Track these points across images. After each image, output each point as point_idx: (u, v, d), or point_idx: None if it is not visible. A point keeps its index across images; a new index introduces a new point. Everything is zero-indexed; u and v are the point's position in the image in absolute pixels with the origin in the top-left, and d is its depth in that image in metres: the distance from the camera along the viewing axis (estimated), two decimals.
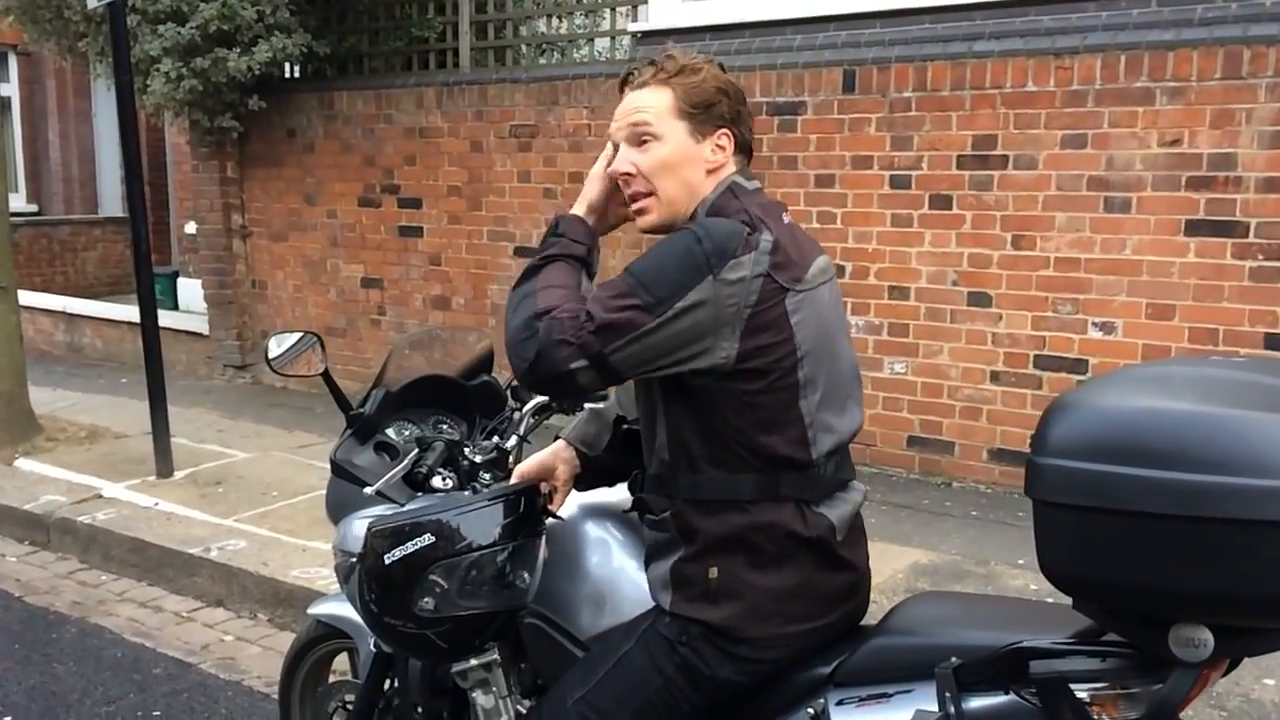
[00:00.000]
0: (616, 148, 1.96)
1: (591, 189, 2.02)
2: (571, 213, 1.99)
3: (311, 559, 4.67)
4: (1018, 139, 5.15)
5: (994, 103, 5.19)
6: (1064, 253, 5.09)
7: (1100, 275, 5.03)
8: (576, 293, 1.86)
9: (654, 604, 2.02)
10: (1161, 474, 1.44)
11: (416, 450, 2.36)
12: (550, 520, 2.21)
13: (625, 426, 2.17)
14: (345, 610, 2.70)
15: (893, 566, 4.34)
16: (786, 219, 1.93)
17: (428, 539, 2.03)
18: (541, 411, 2.54)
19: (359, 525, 2.48)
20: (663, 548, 1.97)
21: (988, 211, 5.26)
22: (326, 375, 2.46)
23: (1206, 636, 1.53)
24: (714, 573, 1.89)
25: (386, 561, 2.05)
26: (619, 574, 2.17)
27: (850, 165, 5.61)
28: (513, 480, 2.24)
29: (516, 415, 2.53)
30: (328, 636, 2.87)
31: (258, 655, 4.22)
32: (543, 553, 2.10)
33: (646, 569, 2.04)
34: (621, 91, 1.98)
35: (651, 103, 1.91)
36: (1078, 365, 5.13)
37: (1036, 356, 5.22)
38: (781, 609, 1.88)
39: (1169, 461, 1.44)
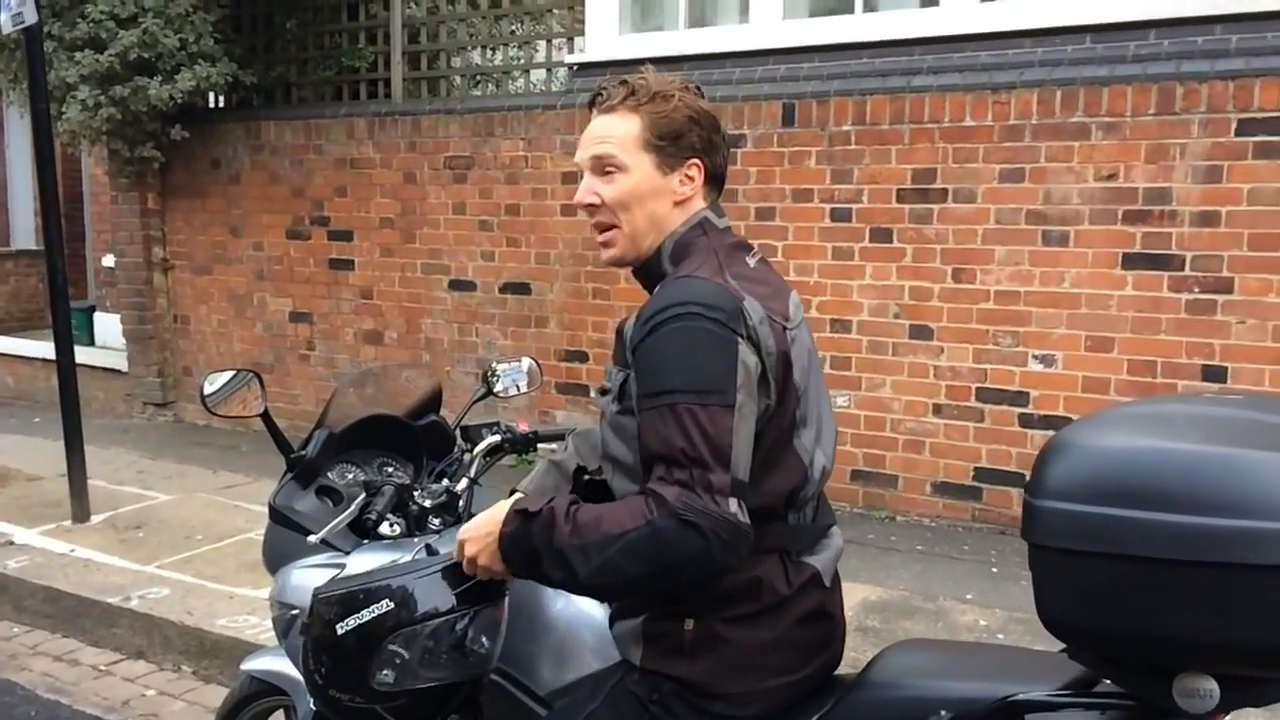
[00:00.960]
0: (582, 174, 1.87)
1: (487, 514, 1.88)
2: (507, 512, 1.82)
3: (239, 607, 4.47)
4: (956, 172, 5.17)
5: (933, 137, 5.21)
6: (1004, 285, 5.11)
7: (1040, 308, 5.06)
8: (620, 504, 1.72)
9: (617, 660, 1.93)
10: (1169, 517, 1.37)
11: (363, 495, 2.23)
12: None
13: (587, 477, 2.06)
14: (282, 665, 2.55)
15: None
16: (755, 260, 1.86)
17: (386, 605, 1.87)
18: (493, 453, 2.44)
19: (299, 576, 2.35)
20: (632, 604, 1.87)
21: (928, 244, 5.26)
22: (266, 415, 2.32)
23: (1212, 687, 1.47)
24: (689, 624, 1.79)
25: (339, 631, 1.88)
26: (580, 623, 2.06)
27: (790, 198, 5.59)
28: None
29: (467, 457, 2.42)
30: (263, 694, 2.71)
31: (182, 711, 4.01)
32: (505, 615, 1.97)
33: (613, 624, 1.93)
34: (590, 109, 1.89)
35: (617, 131, 1.82)
36: (1019, 398, 5.14)
37: (978, 389, 5.22)
38: (760, 663, 1.79)
39: (1177, 504, 1.37)
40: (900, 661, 1.85)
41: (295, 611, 2.30)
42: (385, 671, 1.86)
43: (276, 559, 2.44)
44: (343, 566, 2.24)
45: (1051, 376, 5.06)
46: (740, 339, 1.67)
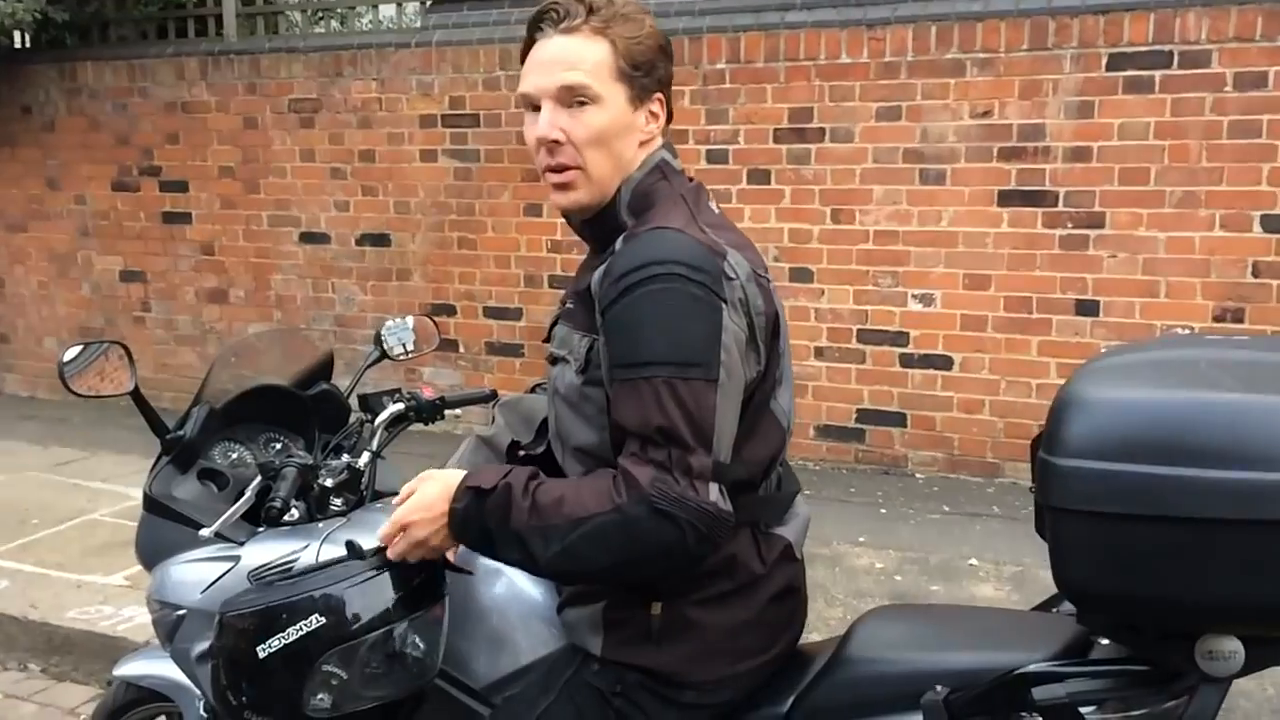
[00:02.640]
0: (535, 107, 1.62)
1: (434, 484, 1.66)
2: (459, 487, 1.60)
3: (89, 596, 4.07)
4: (834, 111, 5.08)
5: (809, 74, 5.10)
6: (883, 225, 5.07)
7: (918, 247, 5.04)
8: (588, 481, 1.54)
9: (568, 644, 1.75)
10: (1215, 474, 1.27)
11: (259, 479, 1.96)
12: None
13: (522, 453, 1.84)
14: (163, 669, 2.28)
15: None
16: (713, 206, 1.67)
17: (315, 621, 1.63)
18: (396, 423, 2.20)
19: (183, 571, 2.07)
20: (586, 591, 1.68)
21: (806, 185, 5.17)
22: (137, 393, 2.02)
23: (1237, 648, 1.39)
24: (657, 609, 1.61)
25: (261, 655, 1.63)
26: (515, 606, 1.87)
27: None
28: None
29: (367, 428, 2.17)
30: (141, 700, 2.42)
31: (33, 714, 3.63)
32: (446, 612, 1.75)
33: (562, 610, 1.75)
34: (533, 36, 1.63)
35: (588, 56, 1.56)
36: (900, 338, 5.13)
37: (859, 330, 5.18)
38: (731, 645, 1.64)
39: (1224, 459, 1.26)
40: (880, 633, 1.72)
41: (181, 611, 2.03)
42: (320, 695, 1.62)
43: (153, 553, 2.14)
44: (236, 560, 1.98)
45: (930, 315, 5.06)
46: (724, 304, 1.49)
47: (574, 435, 1.62)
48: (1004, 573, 4.12)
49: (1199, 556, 1.30)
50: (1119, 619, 1.45)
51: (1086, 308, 4.81)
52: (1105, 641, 1.56)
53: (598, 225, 1.65)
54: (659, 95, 1.62)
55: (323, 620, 1.63)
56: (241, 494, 2.00)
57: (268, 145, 6.34)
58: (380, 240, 6.14)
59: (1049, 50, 4.72)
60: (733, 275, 1.51)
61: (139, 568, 4.22)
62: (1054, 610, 1.82)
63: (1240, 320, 4.57)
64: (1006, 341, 4.95)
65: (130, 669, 2.37)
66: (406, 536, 1.63)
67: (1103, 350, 1.69)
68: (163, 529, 2.07)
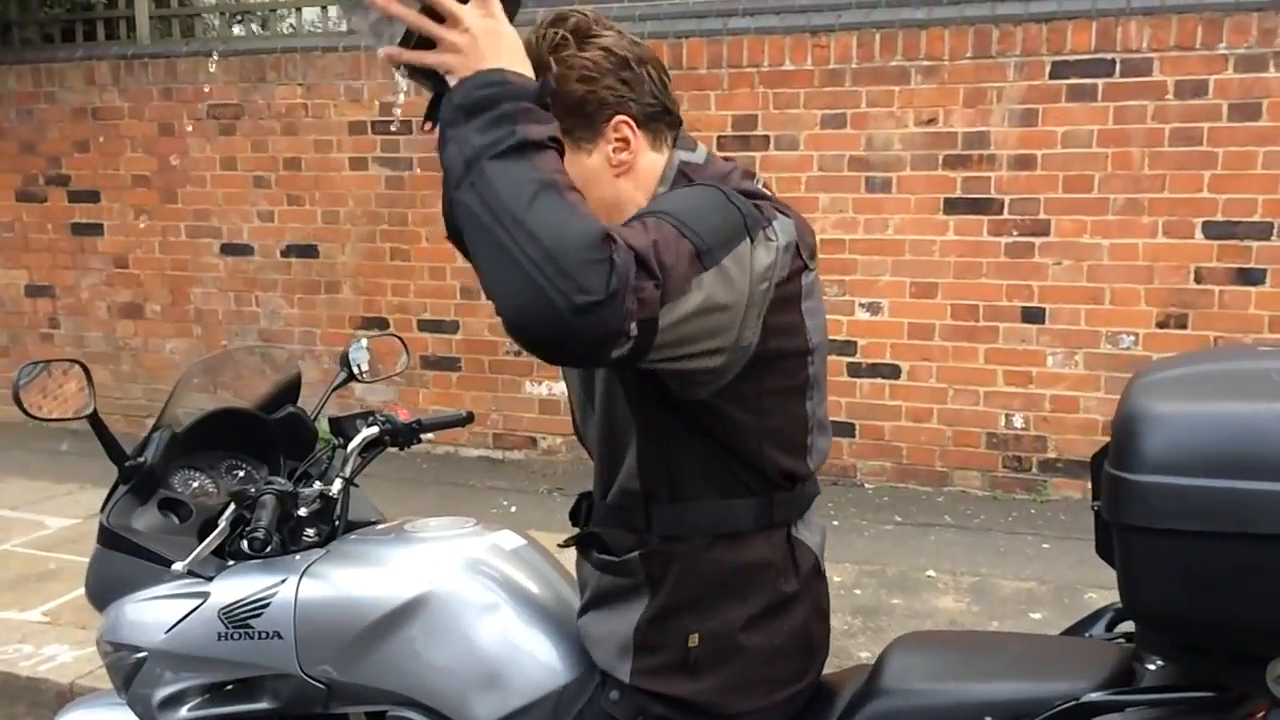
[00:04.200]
0: None
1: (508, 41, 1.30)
2: (542, 84, 1.29)
3: (5, 634, 3.79)
4: (778, 119, 5.02)
5: (752, 81, 5.03)
6: (829, 234, 5.01)
7: (865, 255, 5.00)
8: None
9: (577, 675, 1.65)
10: None
11: (233, 507, 1.80)
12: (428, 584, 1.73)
13: None
14: (112, 716, 2.08)
15: None
16: (762, 187, 1.54)
17: None
18: (370, 447, 2.04)
19: (140, 611, 1.90)
20: (616, 598, 1.56)
21: None
22: (94, 417, 1.84)
23: None
24: (695, 640, 1.50)
25: None
26: (518, 641, 1.73)
27: None
28: None
29: (339, 454, 2.01)
30: None
31: None
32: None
33: (583, 617, 1.63)
34: None
35: None
36: (847, 347, 5.08)
37: None
38: (769, 673, 1.53)
39: None
40: (914, 662, 1.62)
41: (141, 654, 1.85)
42: None
43: (106, 591, 1.96)
44: (204, 596, 1.81)
45: (878, 324, 5.03)
46: (749, 241, 1.35)
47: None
48: (962, 584, 4.08)
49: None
50: (1189, 641, 1.37)
51: (1033, 315, 4.81)
52: (1153, 666, 1.49)
53: None
54: (618, 117, 1.45)
55: None
56: (206, 525, 1.83)
57: (185, 153, 6.07)
58: (307, 251, 5.90)
59: (993, 58, 4.73)
60: (774, 237, 1.39)
61: (58, 601, 4.04)
62: (1085, 634, 1.75)
63: (1184, 326, 4.61)
64: (954, 350, 4.94)
65: (75, 717, 2.16)
66: (447, 49, 1.27)
67: (1154, 361, 1.61)
68: (117, 564, 1.90)
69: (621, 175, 1.48)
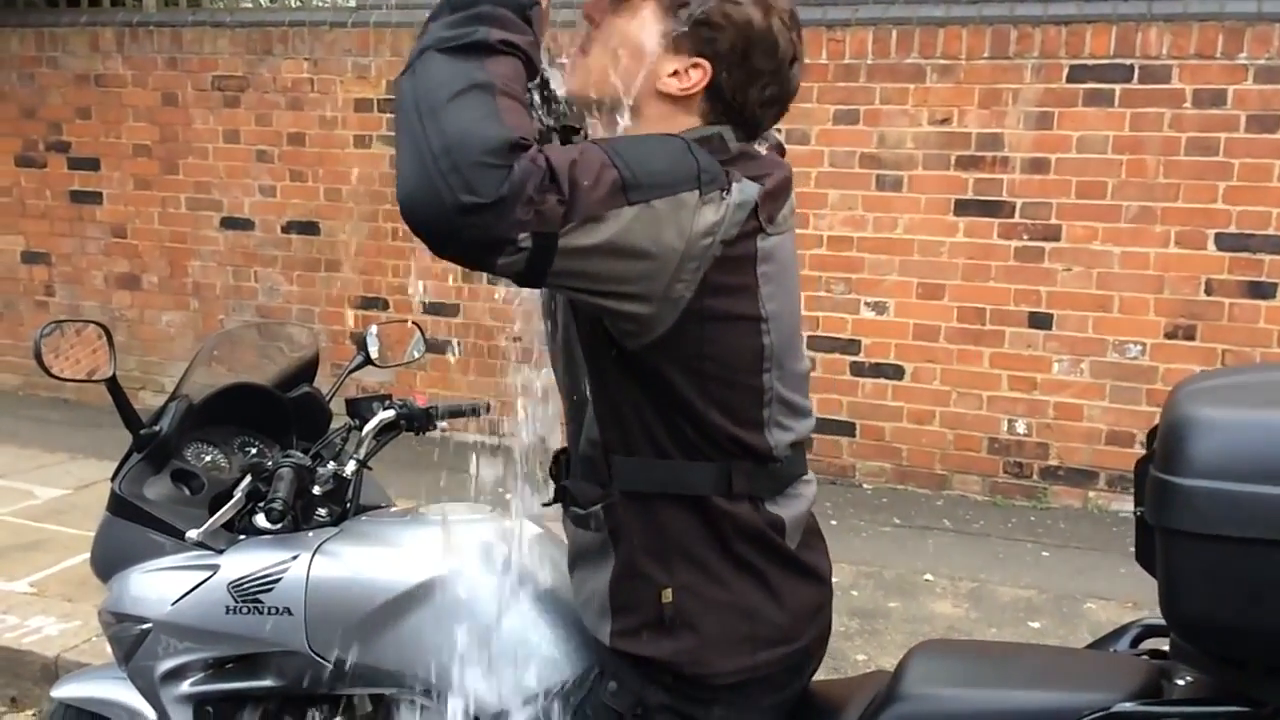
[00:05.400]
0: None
1: None
2: None
3: None
4: (790, 113, 4.94)
5: None
6: (837, 231, 4.98)
7: (872, 254, 4.96)
8: (531, 123, 1.32)
9: (583, 669, 1.63)
10: None
11: (249, 479, 1.76)
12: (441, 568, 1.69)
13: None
14: (112, 691, 2.06)
15: None
16: (765, 147, 1.51)
17: None
18: (384, 431, 2.01)
19: (145, 583, 1.86)
20: (589, 555, 1.54)
21: None
22: (114, 381, 1.80)
23: None
24: (668, 595, 1.48)
25: None
26: (526, 631, 1.71)
27: None
28: None
29: (353, 436, 1.98)
30: None
31: None
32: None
33: (573, 575, 1.61)
34: None
35: None
36: (851, 346, 5.05)
37: (810, 338, 5.06)
38: (751, 630, 1.50)
39: None
40: (936, 668, 1.58)
41: (145, 626, 1.81)
42: None
43: (112, 561, 1.92)
44: (213, 569, 1.77)
45: (883, 324, 4.99)
46: (697, 194, 1.32)
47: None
48: (961, 589, 4.05)
49: None
50: (1228, 652, 1.33)
51: (1040, 320, 4.78)
52: (1181, 682, 1.46)
53: None
54: (701, 61, 1.43)
55: None
56: (217, 499, 1.79)
57: (188, 124, 6.00)
58: (308, 228, 5.84)
59: (1010, 59, 4.69)
60: (726, 196, 1.35)
61: (45, 573, 3.98)
62: (1110, 649, 1.72)
63: (1192, 338, 4.59)
64: (959, 352, 4.91)
65: (72, 690, 2.12)
66: None
67: (1199, 372, 1.57)
68: (125, 533, 1.87)
69: (659, 94, 1.45)
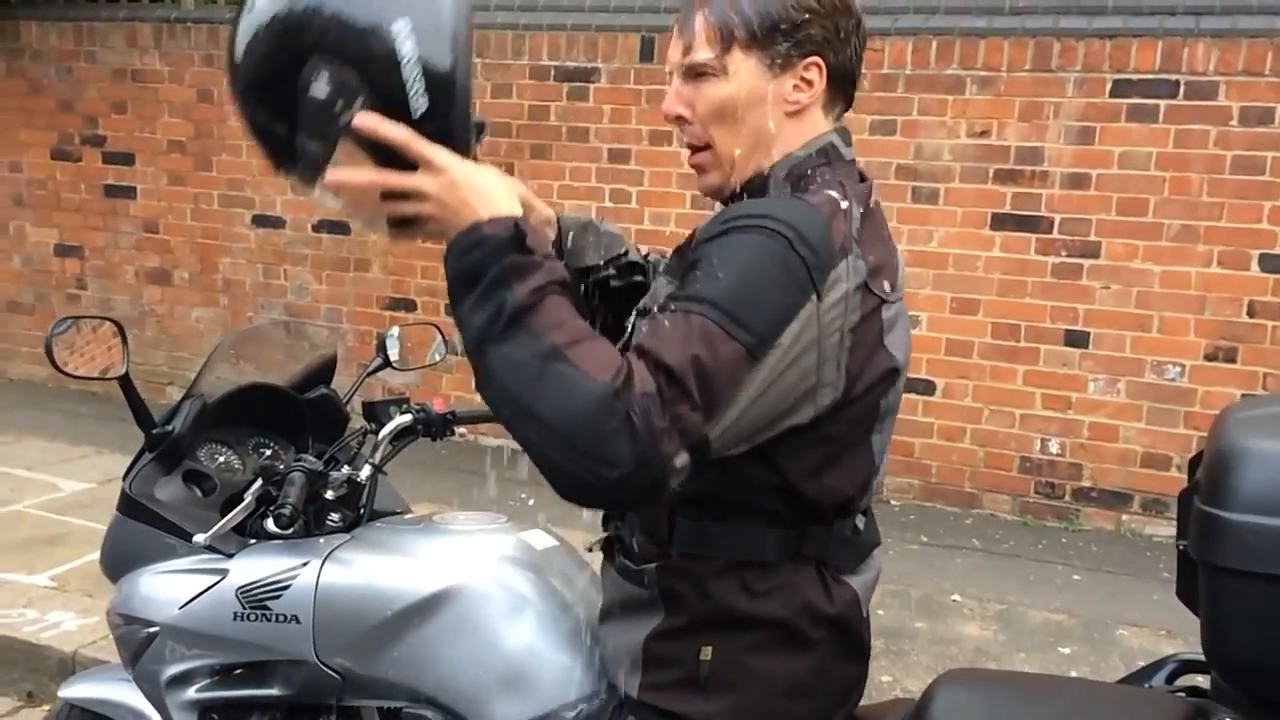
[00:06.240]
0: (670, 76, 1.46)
1: (499, 183, 1.31)
2: (511, 214, 1.27)
3: (10, 598, 3.73)
4: None
5: None
6: None
7: (907, 267, 4.84)
8: (608, 344, 1.25)
9: (597, 690, 1.59)
10: None
11: (259, 483, 1.72)
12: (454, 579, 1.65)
13: (611, 274, 1.64)
14: (119, 693, 2.02)
15: None
16: (874, 202, 1.45)
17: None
18: (402, 436, 1.96)
19: (154, 585, 1.83)
20: (631, 609, 1.48)
21: None
22: (126, 379, 1.77)
23: None
24: (707, 653, 1.41)
25: None
26: (544, 648, 1.66)
27: (648, 140, 5.19)
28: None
29: (370, 439, 1.94)
30: None
31: None
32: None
33: (603, 625, 1.55)
34: None
35: (708, 23, 1.39)
36: None
37: None
38: (788, 707, 1.43)
39: None
40: (965, 700, 1.51)
41: (153, 629, 1.78)
42: None
43: (122, 561, 1.89)
44: (223, 574, 1.74)
45: (916, 338, 4.82)
46: (815, 296, 1.26)
47: None
48: (989, 611, 3.97)
49: None
50: (1275, 696, 1.26)
51: (1076, 339, 4.69)
52: None
53: None
54: (813, 59, 1.40)
55: None
56: (230, 501, 1.76)
57: (223, 121, 6.00)
58: (338, 228, 5.83)
59: (1052, 72, 4.60)
60: (843, 278, 1.30)
61: (67, 566, 3.97)
62: (1145, 684, 1.64)
63: (1232, 360, 4.48)
64: (992, 369, 4.82)
65: (79, 691, 2.09)
66: (417, 197, 1.26)
67: (1240, 398, 1.50)
68: (135, 534, 1.83)
69: (790, 115, 1.41)
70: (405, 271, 5.74)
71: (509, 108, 5.40)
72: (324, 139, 1.23)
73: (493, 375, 1.22)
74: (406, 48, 1.21)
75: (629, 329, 1.46)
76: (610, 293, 1.64)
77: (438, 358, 2.22)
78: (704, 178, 1.46)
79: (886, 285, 1.37)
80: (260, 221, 6.00)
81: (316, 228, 5.87)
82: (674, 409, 1.17)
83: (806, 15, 1.38)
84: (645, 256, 1.70)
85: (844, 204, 1.34)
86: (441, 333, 2.26)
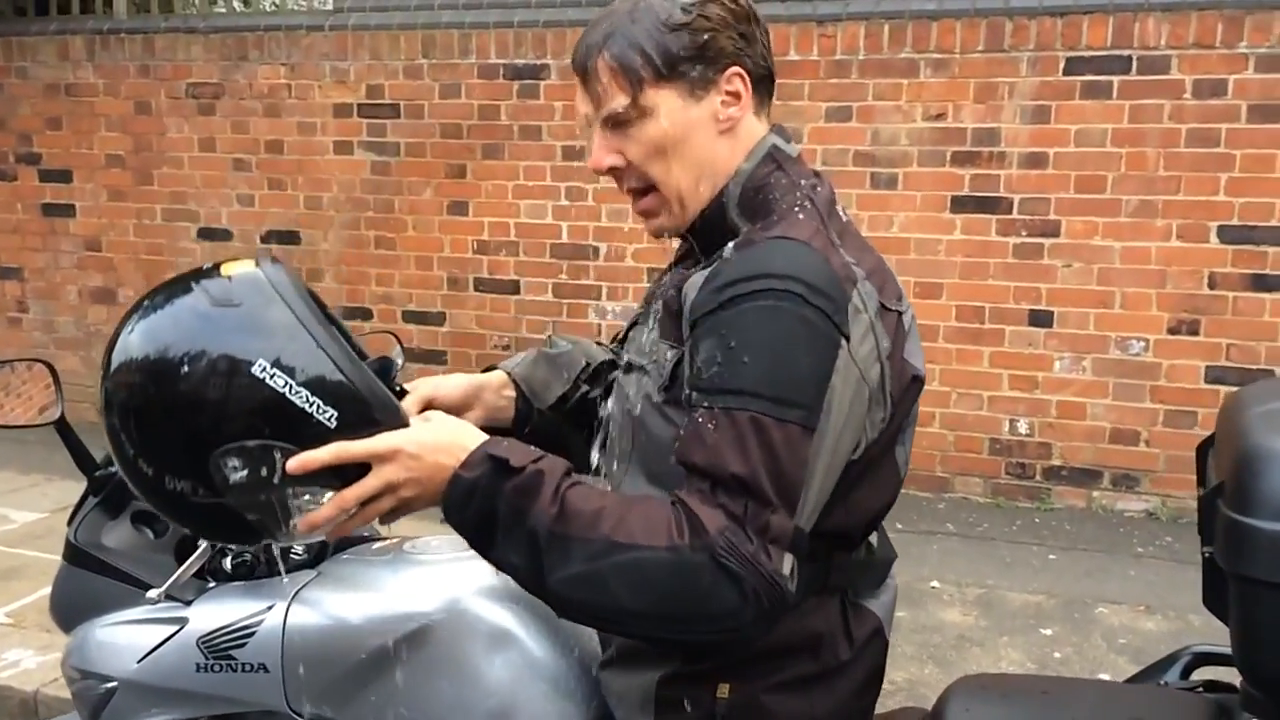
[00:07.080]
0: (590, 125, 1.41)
1: (447, 425, 1.30)
2: (479, 448, 1.25)
3: None
4: (781, 111, 4.75)
5: None
6: None
7: None
8: (650, 501, 1.24)
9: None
10: None
11: None
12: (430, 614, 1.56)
13: (586, 390, 1.58)
14: None
15: None
16: (841, 211, 1.38)
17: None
18: None
19: (109, 635, 1.71)
20: (645, 655, 1.40)
21: None
22: (61, 422, 1.66)
23: None
24: (725, 690, 1.34)
25: None
26: (531, 680, 1.56)
27: None
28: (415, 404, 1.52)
29: None
30: None
31: None
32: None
33: (605, 668, 1.47)
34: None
35: (610, 69, 1.33)
36: None
37: None
38: None
39: None
40: (981, 708, 1.46)
41: (111, 684, 1.67)
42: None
43: (73, 611, 1.77)
44: (182, 622, 1.64)
45: None
46: (844, 340, 1.21)
47: (643, 459, 1.35)
48: (968, 595, 3.94)
49: None
50: None
51: (1040, 318, 4.67)
52: None
53: (704, 236, 1.38)
54: (733, 70, 1.34)
55: None
56: (185, 541, 1.66)
57: (162, 133, 5.85)
58: (288, 238, 5.69)
59: (1005, 52, 4.57)
60: (861, 308, 1.24)
61: (22, 601, 3.83)
62: (1159, 682, 1.60)
63: (1195, 333, 4.48)
64: (958, 352, 4.79)
65: None
66: (387, 491, 1.25)
67: (1261, 383, 1.44)
68: (86, 582, 1.71)
69: (725, 132, 1.35)
70: (359, 280, 5.62)
71: (459, 108, 5.29)
72: (271, 500, 1.24)
73: (569, 601, 1.21)
74: (279, 382, 1.20)
75: (618, 386, 1.42)
76: (592, 404, 1.56)
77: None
78: (653, 221, 1.40)
79: (894, 296, 1.32)
80: (206, 234, 5.84)
81: (265, 238, 5.73)
82: (757, 522, 1.15)
83: (706, 35, 1.32)
84: (615, 338, 1.62)
85: (822, 227, 1.29)
86: (399, 340, 2.17)
